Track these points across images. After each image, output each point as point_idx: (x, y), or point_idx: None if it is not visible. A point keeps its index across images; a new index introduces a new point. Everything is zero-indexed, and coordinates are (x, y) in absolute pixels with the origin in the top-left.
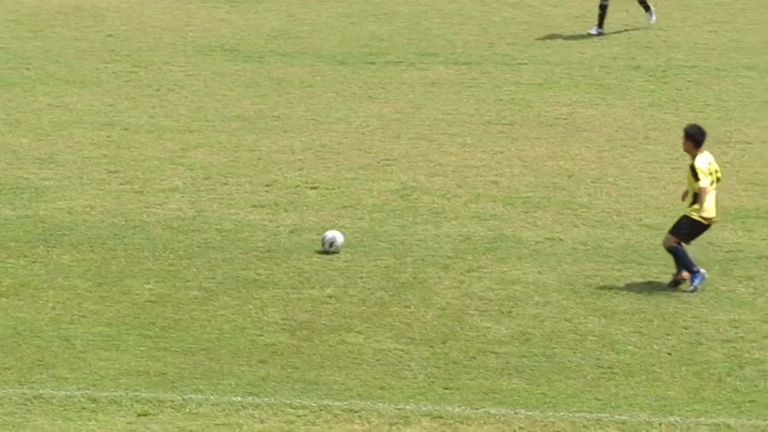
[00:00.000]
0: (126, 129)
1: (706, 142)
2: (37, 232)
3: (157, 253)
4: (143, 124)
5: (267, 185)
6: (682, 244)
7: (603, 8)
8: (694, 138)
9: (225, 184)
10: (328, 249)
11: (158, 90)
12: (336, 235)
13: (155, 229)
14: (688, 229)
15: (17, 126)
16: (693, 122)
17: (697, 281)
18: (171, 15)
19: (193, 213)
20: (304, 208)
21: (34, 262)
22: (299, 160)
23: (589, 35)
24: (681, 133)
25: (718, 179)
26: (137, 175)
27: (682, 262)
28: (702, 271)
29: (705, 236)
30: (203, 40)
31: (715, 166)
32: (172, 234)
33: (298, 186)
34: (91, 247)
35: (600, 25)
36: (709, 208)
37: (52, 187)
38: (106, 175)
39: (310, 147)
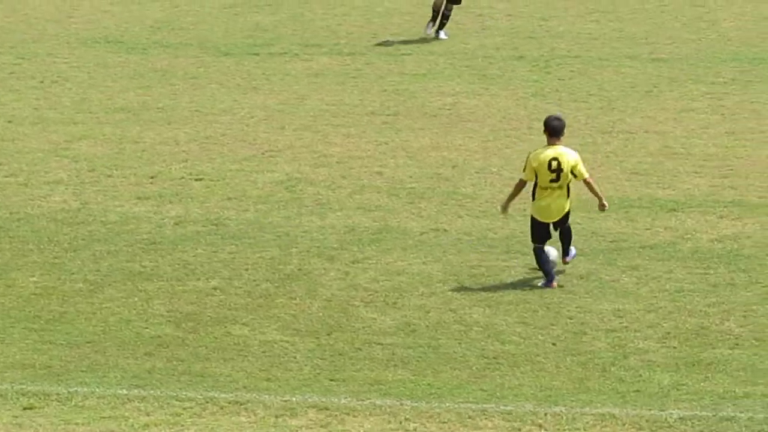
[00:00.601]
0: (10, 121)
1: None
2: None
3: (41, 246)
4: (27, 116)
5: (151, 177)
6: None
7: (445, 17)
8: (545, 127)
9: (109, 176)
10: None
11: (42, 82)
12: None
13: (40, 221)
14: (531, 228)
15: None
16: (555, 113)
17: (542, 283)
18: (54, 6)
19: (77, 205)
20: (189, 199)
21: None
22: (184, 151)
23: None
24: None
25: (557, 177)
26: (21, 167)
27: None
28: (554, 284)
29: (588, 226)
30: (87, 32)
31: (559, 162)
32: (56, 226)
33: (183, 178)
34: None
35: (433, 23)
36: (537, 207)
37: None
38: None
39: (194, 138)
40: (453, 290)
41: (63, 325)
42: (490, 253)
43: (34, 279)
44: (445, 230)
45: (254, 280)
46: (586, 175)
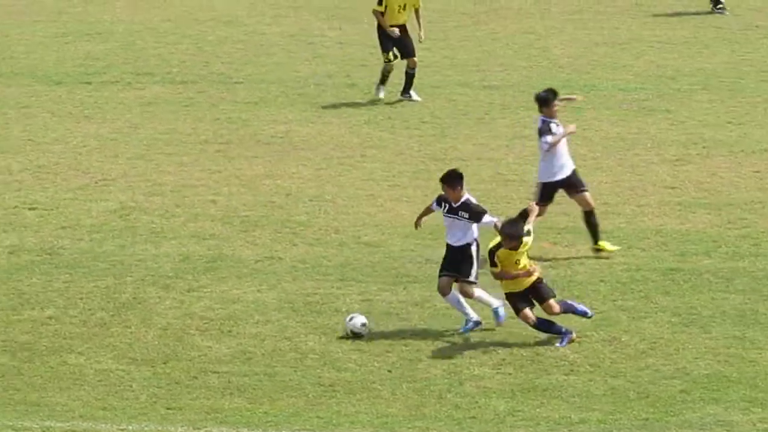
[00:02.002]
0: None
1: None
2: None
3: None
4: None
5: None
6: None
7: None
8: None
9: None
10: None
11: None
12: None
13: None
14: None
15: None
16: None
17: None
18: None
19: None
20: (23, 228)
21: None
22: (17, 180)
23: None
24: (397, 150)
25: None
26: None
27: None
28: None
29: (423, 253)
30: None
31: None
32: None
33: (17, 207)
34: None
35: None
36: None
37: None
38: None
39: (27, 167)
40: (288, 318)
41: None
42: (325, 281)
43: None
44: (279, 258)
45: (89, 309)
46: None
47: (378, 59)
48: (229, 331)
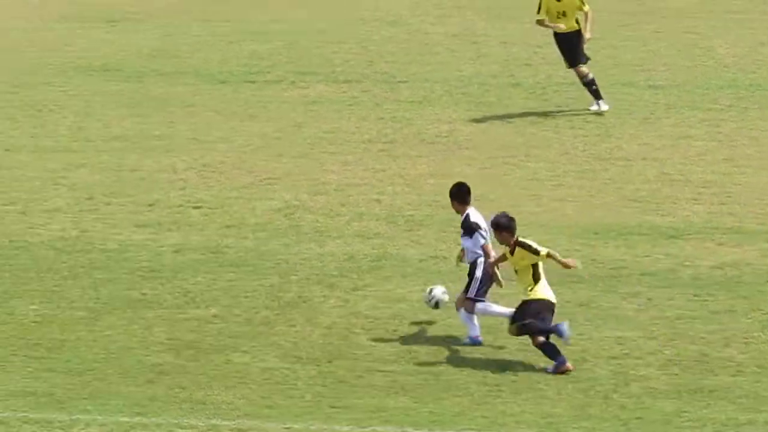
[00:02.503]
0: (7, 150)
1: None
2: None
3: (41, 274)
4: (24, 144)
5: (150, 205)
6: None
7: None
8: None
9: (108, 204)
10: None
11: (39, 111)
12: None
13: (39, 249)
14: None
15: None
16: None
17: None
18: (51, 35)
19: (76, 233)
20: (188, 227)
21: None
22: (182, 179)
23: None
24: (561, 150)
25: None
26: (20, 195)
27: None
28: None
29: (587, 253)
30: (83, 60)
31: None
32: (56, 254)
33: (182, 205)
34: None
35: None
36: None
37: None
38: None
39: (192, 166)
40: (453, 317)
41: (64, 353)
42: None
43: (34, 307)
44: (444, 257)
45: (254, 308)
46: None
47: (543, 58)
48: (394, 330)
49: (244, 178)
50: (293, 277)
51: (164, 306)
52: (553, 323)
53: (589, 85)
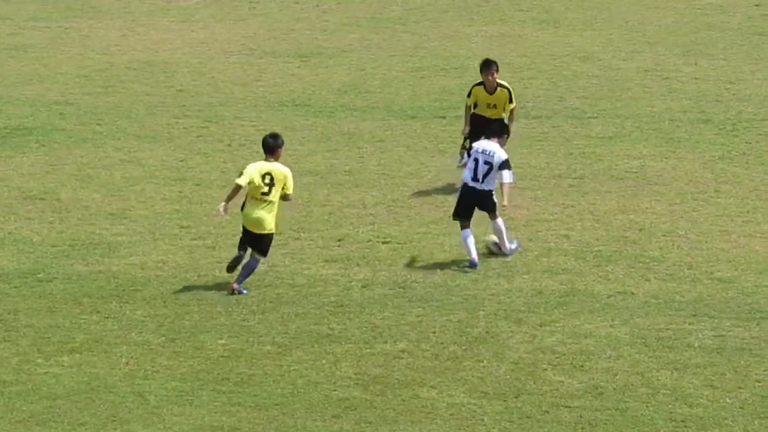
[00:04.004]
0: (198, 184)
1: None
2: (110, 287)
3: (230, 309)
4: (215, 179)
5: (339, 240)
6: None
7: None
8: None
9: (297, 239)
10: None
11: (229, 145)
12: None
13: (228, 284)
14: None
15: (89, 181)
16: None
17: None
18: (241, 70)
19: (265, 268)
20: (377, 262)
21: (107, 317)
22: (371, 214)
23: None
24: (751, 186)
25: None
26: (209, 230)
27: None
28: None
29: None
30: (274, 95)
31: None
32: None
33: (370, 240)
34: (164, 302)
35: None
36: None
37: (124, 242)
38: (178, 230)
39: (381, 201)
40: (640, 353)
41: (251, 388)
42: (677, 316)
43: (223, 341)
44: (632, 293)
45: (441, 343)
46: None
47: (734, 94)
48: (581, 366)
49: (433, 213)
50: (481, 312)
51: (352, 341)
52: None
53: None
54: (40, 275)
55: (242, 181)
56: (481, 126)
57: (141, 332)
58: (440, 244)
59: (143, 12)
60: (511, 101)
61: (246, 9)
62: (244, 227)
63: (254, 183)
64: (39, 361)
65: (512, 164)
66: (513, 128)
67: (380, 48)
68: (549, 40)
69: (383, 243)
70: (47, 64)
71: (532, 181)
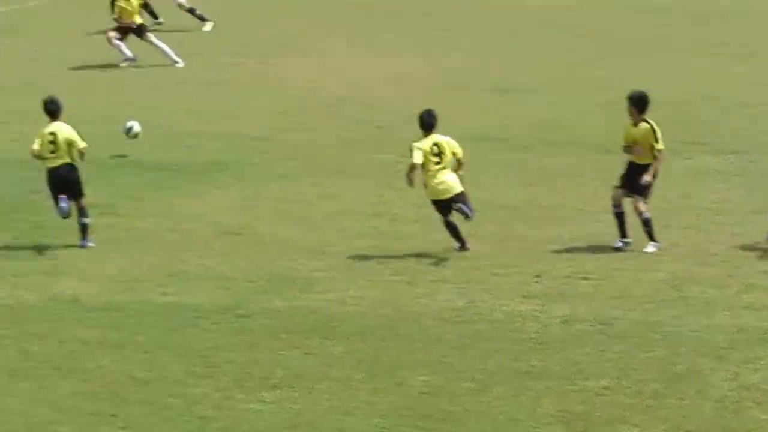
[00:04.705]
0: (394, 219)
1: None
2: (309, 323)
3: (428, 344)
4: (411, 214)
5: (537, 275)
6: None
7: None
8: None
9: (495, 274)
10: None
11: None
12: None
13: (426, 319)
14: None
15: (286, 217)
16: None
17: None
18: (438, 104)
19: (463, 304)
20: (575, 298)
21: (307, 353)
22: (568, 250)
23: None
24: None
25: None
26: (407, 266)
27: None
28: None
29: None
30: (470, 130)
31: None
32: (443, 325)
33: (569, 276)
34: (363, 338)
35: None
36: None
37: (322, 278)
38: (375, 265)
39: (578, 236)
40: None
41: (452, 425)
42: None
43: (423, 378)
44: None
45: (643, 380)
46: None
47: None
48: None
49: (630, 248)
50: (682, 349)
51: (553, 377)
52: None
53: None
54: (239, 311)
55: (417, 159)
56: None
57: (341, 368)
58: (637, 280)
59: (339, 48)
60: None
61: (442, 44)
62: (437, 201)
63: (427, 157)
64: (240, 397)
65: (713, 200)
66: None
67: (574, 83)
68: (744, 72)
69: (582, 279)
70: (244, 100)
71: (730, 216)
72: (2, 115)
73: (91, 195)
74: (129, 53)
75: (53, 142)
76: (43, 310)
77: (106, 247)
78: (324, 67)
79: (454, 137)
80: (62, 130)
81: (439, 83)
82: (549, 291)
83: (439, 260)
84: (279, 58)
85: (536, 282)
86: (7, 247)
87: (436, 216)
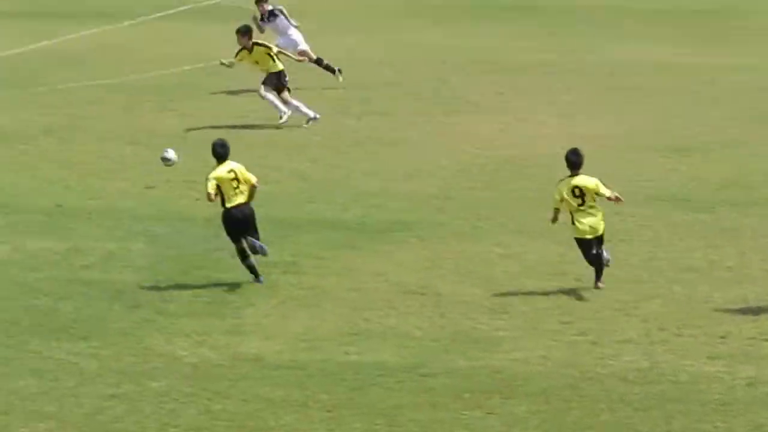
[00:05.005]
0: (578, 279)
1: None
2: (492, 382)
3: (612, 405)
4: (590, 274)
5: (722, 337)
6: None
7: None
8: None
9: (679, 335)
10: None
11: (609, 240)
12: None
13: (610, 380)
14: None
15: (469, 276)
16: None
17: None
18: (621, 165)
19: (647, 365)
20: (761, 360)
21: (489, 413)
22: (753, 311)
23: None
24: None
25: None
26: (590, 326)
27: None
28: None
29: None
30: (653, 190)
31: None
32: (627, 386)
33: (754, 338)
34: (546, 398)
35: None
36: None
37: (505, 337)
38: (559, 325)
39: (764, 298)
40: None
41: None
42: None
43: None
44: None
45: None
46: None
47: None
48: None
49: None
50: None
51: None
52: None
53: None
54: (422, 370)
55: (557, 200)
56: None
57: (524, 428)
58: None
59: (522, 107)
60: None
61: (624, 104)
62: (581, 239)
63: (567, 200)
64: None
65: None
66: None
67: (762, 143)
68: None
69: (767, 340)
70: (426, 159)
71: None
72: (190, 174)
73: (274, 254)
74: (312, 113)
75: (236, 179)
76: (227, 368)
77: (289, 306)
78: (506, 126)
79: (637, 198)
80: (240, 168)
81: (622, 143)
82: (734, 352)
83: (623, 320)
84: (461, 116)
85: (721, 343)
86: (190, 304)
87: (617, 274)
